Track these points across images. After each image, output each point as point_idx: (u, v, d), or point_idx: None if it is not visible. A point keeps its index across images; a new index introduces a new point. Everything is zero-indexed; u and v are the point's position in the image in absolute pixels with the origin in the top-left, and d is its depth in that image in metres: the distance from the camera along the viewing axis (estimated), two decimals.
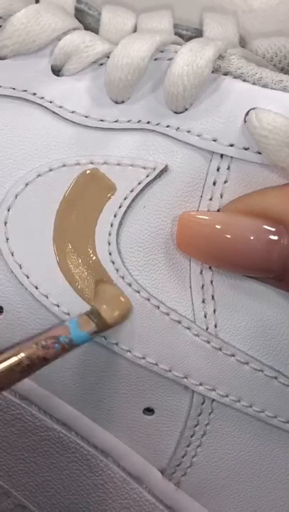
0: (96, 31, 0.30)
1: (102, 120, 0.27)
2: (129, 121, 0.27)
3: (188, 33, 0.31)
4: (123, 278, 0.26)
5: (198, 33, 0.31)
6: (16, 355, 0.23)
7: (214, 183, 0.26)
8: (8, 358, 0.23)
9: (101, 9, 0.31)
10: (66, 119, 0.27)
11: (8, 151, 0.27)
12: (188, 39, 0.30)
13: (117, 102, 0.27)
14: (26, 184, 0.26)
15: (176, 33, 0.30)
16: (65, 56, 0.28)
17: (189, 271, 0.26)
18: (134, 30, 0.30)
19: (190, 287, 0.26)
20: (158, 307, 0.26)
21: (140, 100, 0.27)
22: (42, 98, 0.27)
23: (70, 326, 0.24)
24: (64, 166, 0.26)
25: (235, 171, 0.26)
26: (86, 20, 0.31)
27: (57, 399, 0.27)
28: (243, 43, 0.31)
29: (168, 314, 0.26)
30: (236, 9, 0.34)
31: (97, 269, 0.26)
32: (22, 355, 0.23)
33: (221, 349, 0.26)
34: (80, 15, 0.31)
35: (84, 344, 0.25)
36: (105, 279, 0.26)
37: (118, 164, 0.26)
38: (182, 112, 0.26)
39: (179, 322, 0.26)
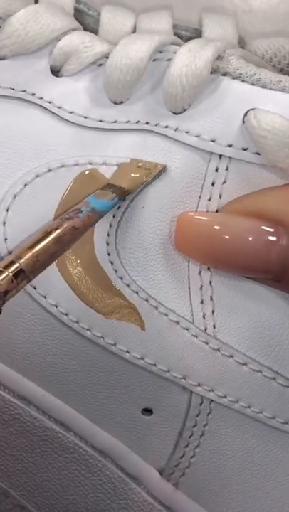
0: (95, 32, 0.30)
1: (100, 121, 0.27)
2: (127, 121, 0.27)
3: (187, 34, 0.31)
4: (122, 279, 0.26)
5: (197, 34, 0.31)
6: (45, 231, 0.23)
7: (213, 184, 0.26)
8: (41, 235, 0.23)
9: (100, 9, 0.31)
10: (65, 119, 0.27)
11: (7, 151, 0.27)
12: (187, 39, 0.30)
13: (115, 103, 0.27)
14: (25, 185, 0.26)
15: (175, 34, 0.30)
16: (64, 56, 0.28)
17: (188, 272, 0.26)
18: (134, 31, 0.30)
19: (189, 288, 0.26)
20: (156, 308, 0.26)
21: (139, 101, 0.27)
22: (41, 98, 0.27)
23: (88, 199, 0.25)
24: (63, 166, 0.26)
25: (233, 172, 0.26)
26: (85, 20, 0.31)
27: (55, 399, 0.27)
28: (242, 43, 0.31)
29: (166, 315, 0.26)
30: (236, 9, 0.34)
31: (96, 270, 0.26)
32: (51, 228, 0.23)
33: (219, 350, 0.26)
34: (79, 15, 0.31)
35: (108, 211, 0.25)
36: (104, 279, 0.26)
37: (117, 165, 0.26)
38: (181, 113, 0.26)
39: (178, 323, 0.26)
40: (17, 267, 0.22)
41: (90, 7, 0.31)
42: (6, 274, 0.22)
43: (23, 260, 0.23)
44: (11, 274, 0.22)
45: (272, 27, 0.34)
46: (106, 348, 0.26)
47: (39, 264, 0.23)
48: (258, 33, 0.33)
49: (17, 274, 0.22)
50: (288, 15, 0.34)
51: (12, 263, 0.22)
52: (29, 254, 0.23)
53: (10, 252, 0.26)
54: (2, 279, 0.22)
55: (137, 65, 0.26)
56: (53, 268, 0.26)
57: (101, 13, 0.31)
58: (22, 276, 0.22)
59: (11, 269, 0.22)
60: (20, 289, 0.23)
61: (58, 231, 0.23)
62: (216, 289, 0.26)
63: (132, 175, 0.26)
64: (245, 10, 0.34)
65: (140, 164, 0.26)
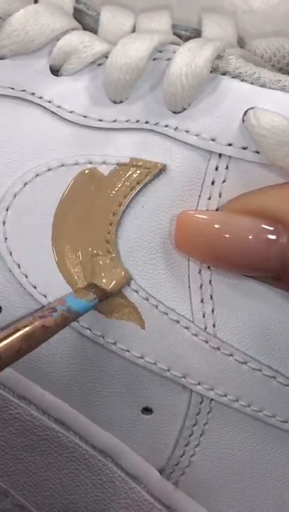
0: (95, 31, 0.30)
1: (100, 120, 0.27)
2: (127, 121, 0.27)
3: (186, 34, 0.31)
4: None
5: (196, 34, 0.31)
6: (15, 328, 0.23)
7: (213, 183, 0.26)
8: (8, 332, 0.23)
9: (100, 9, 0.31)
10: (65, 118, 0.27)
11: (7, 150, 0.27)
12: (186, 39, 0.30)
13: (115, 102, 0.27)
14: (25, 184, 0.26)
15: (174, 34, 0.30)
16: (63, 56, 0.28)
17: (188, 270, 0.26)
18: (133, 31, 0.30)
19: (189, 287, 0.26)
20: (156, 307, 0.26)
21: (139, 100, 0.27)
22: (41, 98, 0.27)
23: (66, 297, 0.24)
24: (62, 165, 0.27)
25: (233, 171, 0.26)
26: (85, 20, 0.31)
27: (55, 398, 0.27)
28: (241, 43, 0.31)
29: (166, 314, 0.26)
30: (236, 9, 0.34)
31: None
32: (21, 325, 0.23)
33: (219, 349, 0.26)
34: (78, 15, 0.31)
35: (86, 312, 0.24)
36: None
37: (117, 164, 0.26)
38: (180, 112, 0.26)
39: (178, 322, 0.26)
40: None
41: (89, 7, 0.31)
42: None
43: None
44: None
45: (272, 27, 0.34)
46: (106, 347, 0.26)
47: (1, 362, 0.22)
48: (257, 33, 0.33)
49: None
50: (288, 15, 0.34)
51: None
52: None
53: (11, 253, 0.26)
54: None
55: (137, 65, 0.26)
56: (53, 267, 0.26)
57: (100, 13, 0.31)
58: None
59: None
60: None
61: (27, 328, 0.23)
62: (215, 288, 0.26)
63: (131, 175, 0.26)
64: (245, 10, 0.34)
65: (140, 163, 0.26)
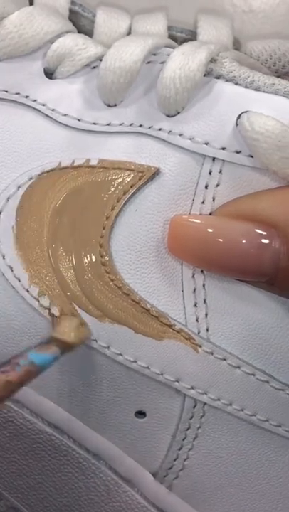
0: (90, 33, 0.30)
1: (94, 123, 0.27)
2: (121, 124, 0.27)
3: (182, 35, 0.30)
4: (113, 280, 0.26)
5: (192, 35, 0.31)
6: None
7: (206, 187, 0.26)
8: None
9: (95, 11, 0.31)
10: (59, 122, 0.27)
11: (1, 153, 0.27)
12: (182, 41, 0.30)
13: (109, 105, 0.27)
14: (18, 187, 0.26)
15: (170, 35, 0.30)
16: (58, 59, 0.28)
17: (181, 274, 0.26)
18: (129, 32, 0.30)
19: (182, 291, 0.26)
20: (149, 311, 0.26)
21: (133, 103, 0.27)
22: (34, 101, 0.27)
23: (28, 352, 0.24)
24: (56, 168, 0.26)
25: (227, 175, 0.26)
26: (80, 22, 0.31)
27: (49, 402, 0.27)
28: (237, 44, 0.31)
29: (158, 318, 0.26)
30: (236, 9, 0.34)
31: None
32: None
33: (212, 353, 0.26)
34: (74, 17, 0.31)
35: (51, 365, 0.24)
36: (96, 281, 0.26)
37: (110, 167, 0.26)
38: (174, 116, 0.26)
39: (171, 326, 0.26)
40: None
41: (85, 8, 0.31)
42: None
43: None
44: None
45: (272, 27, 0.34)
46: (99, 351, 0.26)
47: None
48: (258, 33, 0.33)
49: None
50: (288, 15, 0.34)
51: None
52: None
53: (3, 256, 0.26)
54: None
55: (131, 68, 0.26)
56: (47, 270, 0.26)
57: (96, 14, 0.31)
58: None
59: None
60: None
61: None
62: (209, 292, 0.26)
63: (125, 178, 0.26)
64: (245, 10, 0.34)
65: (133, 167, 0.26)
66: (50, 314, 0.26)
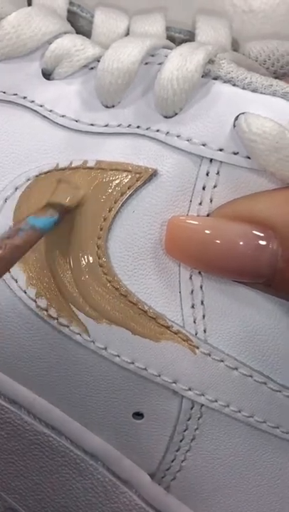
0: (89, 34, 0.30)
1: (92, 124, 0.27)
2: (119, 125, 0.27)
3: (180, 36, 0.30)
4: (111, 282, 0.26)
5: (191, 36, 0.31)
6: None
7: (204, 188, 0.26)
8: None
9: (94, 12, 0.31)
10: (56, 123, 0.27)
11: None
12: (180, 42, 0.30)
13: (107, 106, 0.27)
14: (16, 188, 0.26)
15: (168, 36, 0.30)
16: (55, 60, 0.28)
17: (179, 276, 0.26)
18: (127, 33, 0.30)
19: (179, 292, 0.26)
20: (147, 312, 0.26)
21: (130, 104, 0.27)
22: (32, 102, 0.27)
23: (27, 218, 0.24)
24: (54, 169, 0.26)
25: (224, 176, 0.26)
26: (79, 22, 0.31)
27: (46, 403, 0.27)
28: (236, 45, 0.31)
29: (156, 319, 0.26)
30: (236, 9, 0.34)
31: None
32: None
33: (210, 354, 0.26)
34: (72, 17, 0.31)
35: (51, 228, 0.25)
36: (94, 282, 0.26)
37: (108, 169, 0.26)
38: (172, 117, 0.26)
39: (168, 327, 0.26)
40: None
41: (83, 9, 0.31)
42: None
43: None
44: None
45: (272, 27, 0.34)
46: (96, 352, 0.26)
47: None
48: (257, 34, 0.33)
49: None
50: (288, 15, 0.34)
51: None
52: None
53: None
54: None
55: (128, 69, 0.26)
56: (44, 271, 0.26)
57: (94, 15, 0.30)
58: None
59: None
60: None
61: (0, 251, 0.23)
62: (206, 294, 0.26)
63: (122, 179, 0.26)
64: (245, 10, 0.34)
65: (131, 168, 0.26)
66: (48, 315, 0.26)
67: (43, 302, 0.26)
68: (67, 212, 0.25)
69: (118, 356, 0.26)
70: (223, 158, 0.26)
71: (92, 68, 0.28)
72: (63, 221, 0.26)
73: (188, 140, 0.26)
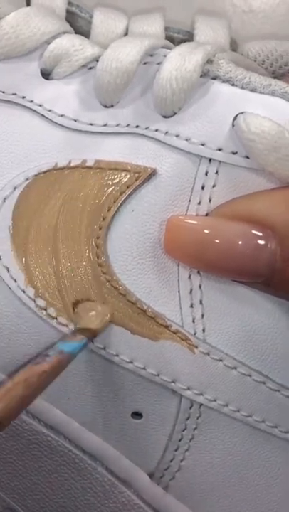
0: (87, 34, 0.30)
1: (91, 124, 0.27)
2: (118, 125, 0.27)
3: (179, 36, 0.31)
4: (110, 281, 0.26)
5: (189, 36, 0.31)
6: (13, 382, 0.23)
7: (203, 187, 0.26)
8: (8, 387, 0.23)
9: (92, 12, 0.31)
10: (55, 122, 0.27)
11: None
12: (179, 42, 0.30)
13: (106, 106, 0.27)
14: (15, 188, 0.26)
15: (167, 36, 0.30)
16: (54, 60, 0.28)
17: (178, 275, 0.26)
18: (126, 33, 0.30)
19: (178, 292, 0.26)
20: (146, 311, 0.26)
21: (129, 104, 0.27)
22: (31, 101, 0.27)
23: (57, 343, 0.24)
24: (53, 169, 0.26)
25: (223, 175, 0.26)
26: (77, 22, 0.31)
27: (45, 403, 0.27)
28: (234, 45, 0.31)
29: (155, 319, 0.26)
30: (236, 9, 0.34)
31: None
32: (18, 378, 0.23)
33: (208, 354, 0.26)
34: (71, 17, 0.31)
35: (80, 352, 0.25)
36: (93, 282, 0.26)
37: (107, 168, 0.26)
38: (171, 116, 0.26)
39: (167, 327, 0.26)
40: None
41: (82, 9, 0.31)
42: None
43: None
44: None
45: (272, 27, 0.34)
46: (95, 351, 0.26)
47: (12, 412, 0.22)
48: (257, 34, 0.33)
49: None
50: (288, 15, 0.34)
51: None
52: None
53: (0, 257, 0.26)
54: None
55: (127, 69, 0.26)
56: (43, 271, 0.26)
57: (93, 15, 0.31)
58: None
59: None
60: None
61: (26, 377, 0.23)
62: (205, 293, 0.26)
63: (121, 179, 0.26)
64: (245, 10, 0.34)
65: (130, 168, 0.26)
66: (47, 315, 0.26)
67: (42, 302, 0.26)
68: (94, 336, 0.25)
69: (117, 355, 0.26)
70: (222, 157, 0.26)
71: (90, 68, 0.28)
72: (63, 221, 0.26)
73: (187, 140, 0.26)
